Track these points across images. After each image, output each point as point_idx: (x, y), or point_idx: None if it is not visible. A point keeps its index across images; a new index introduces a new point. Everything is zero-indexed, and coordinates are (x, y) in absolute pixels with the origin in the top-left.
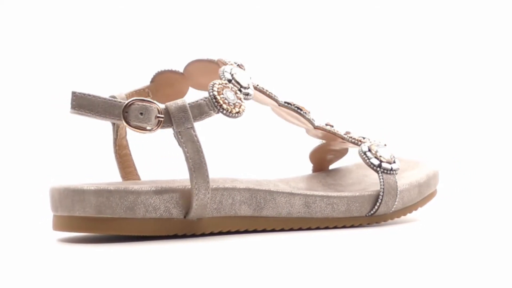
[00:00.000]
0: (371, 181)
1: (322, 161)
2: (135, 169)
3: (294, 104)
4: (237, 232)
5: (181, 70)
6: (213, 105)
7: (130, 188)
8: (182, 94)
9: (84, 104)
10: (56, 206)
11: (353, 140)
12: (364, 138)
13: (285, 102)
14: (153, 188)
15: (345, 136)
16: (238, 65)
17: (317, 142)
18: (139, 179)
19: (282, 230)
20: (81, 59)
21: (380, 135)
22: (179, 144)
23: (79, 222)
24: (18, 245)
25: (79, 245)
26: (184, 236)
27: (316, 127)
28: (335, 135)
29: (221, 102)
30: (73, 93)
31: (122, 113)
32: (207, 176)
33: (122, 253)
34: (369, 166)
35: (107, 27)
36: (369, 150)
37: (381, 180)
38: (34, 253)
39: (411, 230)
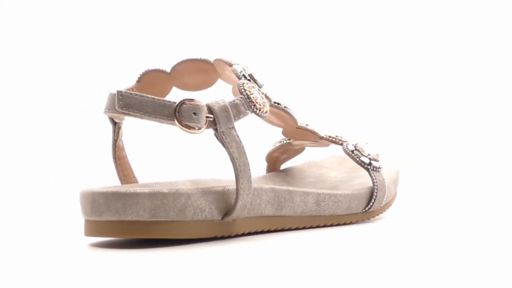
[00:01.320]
0: (335, 179)
1: (276, 161)
2: (132, 172)
3: (282, 104)
4: (261, 232)
5: (168, 70)
6: (248, 105)
7: (181, 190)
8: (164, 94)
9: (132, 103)
10: (101, 211)
11: (334, 140)
12: (337, 136)
13: (274, 102)
14: (200, 189)
15: (325, 135)
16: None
17: (276, 141)
18: (137, 181)
19: (296, 228)
20: (73, 58)
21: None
22: (223, 145)
23: (131, 227)
24: (51, 253)
25: (114, 250)
26: (214, 238)
27: (298, 127)
28: (315, 134)
29: (254, 102)
30: (119, 93)
31: (174, 113)
32: (250, 176)
33: (172, 258)
34: (360, 164)
35: (101, 26)
36: (356, 149)
37: (374, 178)
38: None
39: (402, 224)
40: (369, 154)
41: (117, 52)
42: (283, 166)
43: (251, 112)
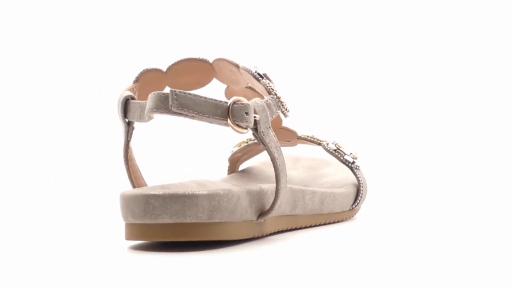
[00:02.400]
0: (300, 178)
1: (237, 162)
2: (141, 174)
3: None
4: (281, 232)
5: (164, 69)
6: (278, 105)
7: (233, 191)
8: None
9: (186, 103)
10: (156, 214)
11: (312, 139)
12: (313, 136)
13: None
14: (245, 189)
15: (302, 135)
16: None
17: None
18: (146, 184)
19: (305, 227)
20: (72, 58)
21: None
22: (264, 144)
23: (190, 229)
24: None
25: (154, 254)
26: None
27: (281, 127)
28: (295, 134)
29: (283, 102)
30: (174, 92)
31: (227, 113)
32: (286, 175)
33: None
34: (343, 163)
35: (100, 26)
36: (338, 148)
37: (359, 176)
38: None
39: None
40: (351, 153)
41: (115, 52)
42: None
43: (281, 112)
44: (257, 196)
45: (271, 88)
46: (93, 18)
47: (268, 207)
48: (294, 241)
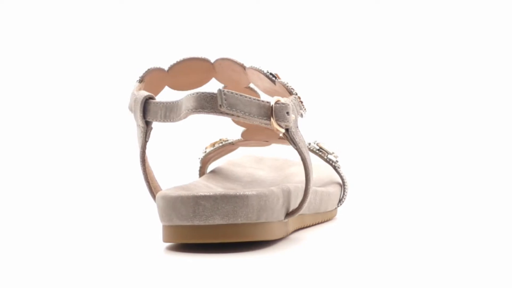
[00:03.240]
0: (271, 179)
1: (207, 163)
2: (154, 176)
3: None
4: (295, 231)
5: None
6: (300, 105)
7: (275, 191)
8: (157, 93)
9: (234, 103)
10: (207, 215)
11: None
12: None
13: None
14: (280, 189)
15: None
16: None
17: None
18: (160, 186)
19: (308, 226)
20: (73, 58)
21: None
22: (295, 144)
23: (240, 230)
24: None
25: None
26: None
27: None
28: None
29: (302, 102)
30: (222, 91)
31: (271, 113)
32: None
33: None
34: (327, 161)
35: (100, 26)
36: (320, 148)
37: (341, 174)
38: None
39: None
40: (333, 152)
41: (115, 52)
42: None
43: (304, 112)
44: (288, 196)
45: (292, 88)
46: (98, 18)
47: (290, 207)
48: (314, 240)
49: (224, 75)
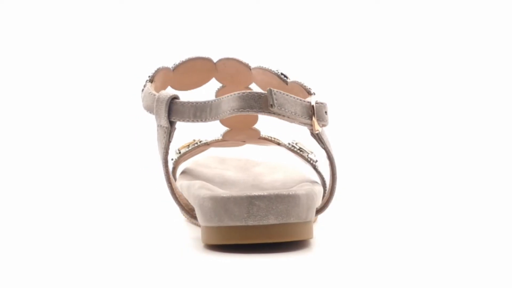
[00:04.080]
0: (241, 179)
1: (179, 164)
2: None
3: None
4: None
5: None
6: None
7: (315, 190)
8: None
9: (283, 103)
10: (261, 215)
11: (274, 140)
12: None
13: None
14: (316, 189)
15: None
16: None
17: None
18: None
19: None
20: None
21: None
22: (323, 143)
23: (292, 229)
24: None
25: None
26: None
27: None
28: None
29: None
30: (272, 91)
31: (313, 113)
32: None
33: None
34: (307, 161)
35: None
36: (300, 148)
37: (323, 174)
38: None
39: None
40: (312, 152)
41: (115, 52)
42: None
43: None
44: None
45: (310, 88)
46: (105, 17)
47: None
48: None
49: (225, 75)
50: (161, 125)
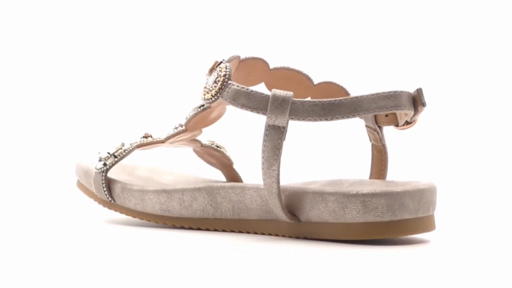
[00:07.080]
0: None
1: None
2: None
3: None
4: None
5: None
6: None
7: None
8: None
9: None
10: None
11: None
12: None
13: None
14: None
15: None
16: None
17: None
18: None
19: None
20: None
21: None
22: (382, 140)
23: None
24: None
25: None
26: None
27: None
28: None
29: None
30: (421, 90)
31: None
32: None
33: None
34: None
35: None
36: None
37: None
38: None
39: None
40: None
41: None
42: None
43: None
44: None
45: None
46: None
47: None
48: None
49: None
50: (275, 125)
